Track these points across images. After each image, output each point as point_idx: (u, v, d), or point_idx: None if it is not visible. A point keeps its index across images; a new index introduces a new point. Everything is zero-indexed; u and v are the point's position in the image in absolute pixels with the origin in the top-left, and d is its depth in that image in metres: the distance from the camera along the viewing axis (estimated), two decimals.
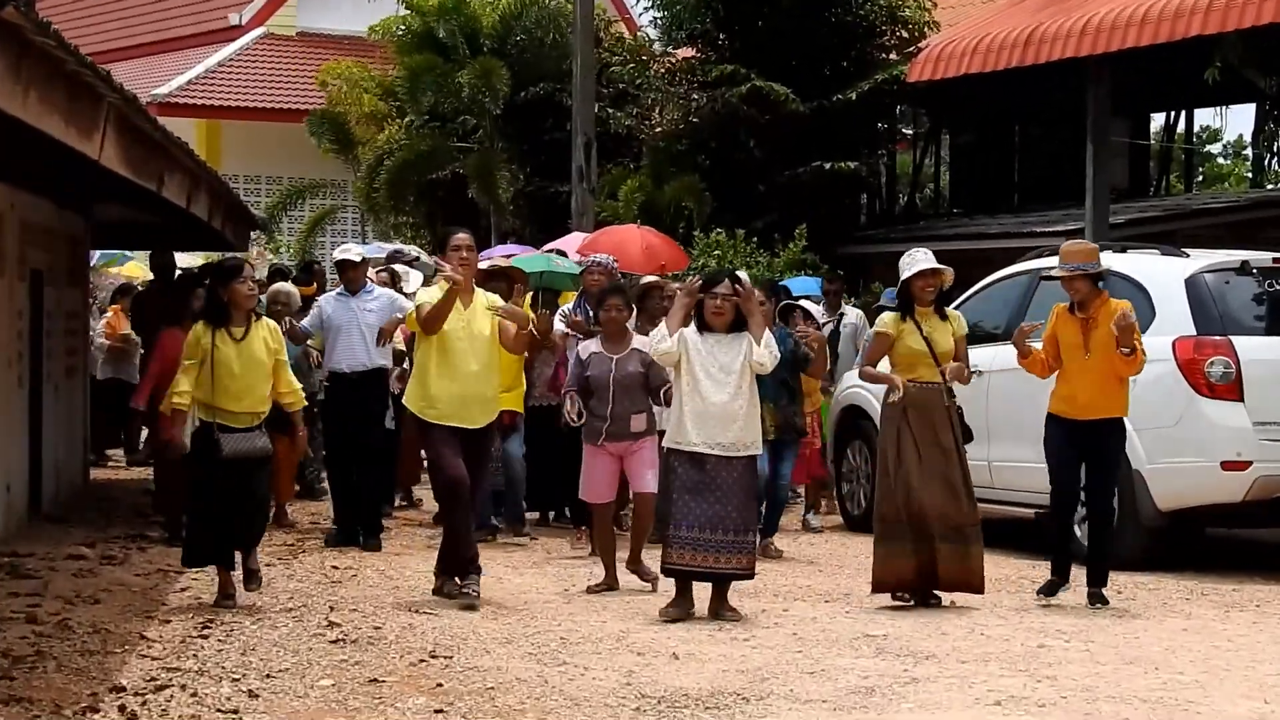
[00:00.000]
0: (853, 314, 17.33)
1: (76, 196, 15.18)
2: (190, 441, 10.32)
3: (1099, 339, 10.51)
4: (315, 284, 16.62)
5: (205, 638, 9.16)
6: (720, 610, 10.05)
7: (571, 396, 11.24)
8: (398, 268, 16.25)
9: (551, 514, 14.68)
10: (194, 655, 8.66)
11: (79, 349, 16.66)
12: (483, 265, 13.61)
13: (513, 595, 10.74)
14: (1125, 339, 10.34)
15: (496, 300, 10.83)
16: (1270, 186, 25.03)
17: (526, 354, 13.05)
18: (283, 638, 9.22)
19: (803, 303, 14.65)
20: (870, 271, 21.97)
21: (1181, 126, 29.07)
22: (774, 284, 14.07)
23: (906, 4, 23.22)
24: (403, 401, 11.04)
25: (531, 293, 14.81)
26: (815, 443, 14.77)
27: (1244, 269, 12.48)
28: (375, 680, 8.15)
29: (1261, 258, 12.72)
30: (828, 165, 22.06)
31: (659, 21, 24.43)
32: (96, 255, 22.38)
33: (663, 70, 24.10)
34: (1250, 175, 32.34)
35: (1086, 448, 10.65)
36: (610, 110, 23.65)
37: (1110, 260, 12.12)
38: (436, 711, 7.54)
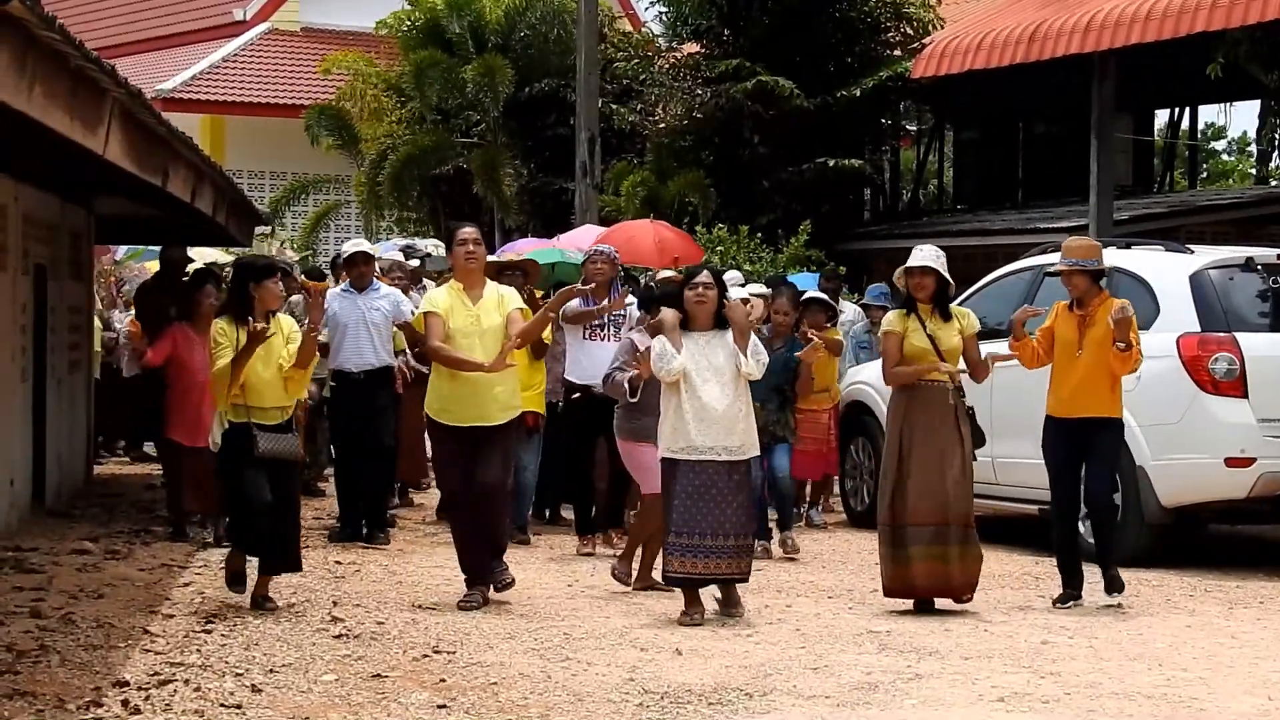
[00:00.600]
0: (850, 310, 17.32)
1: (80, 191, 15.19)
2: (223, 442, 9.98)
3: (1094, 337, 10.40)
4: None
5: (209, 632, 9.16)
6: (728, 609, 9.93)
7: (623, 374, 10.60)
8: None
9: (546, 512, 14.45)
10: (197, 650, 8.66)
11: (82, 343, 16.65)
12: (497, 258, 13.52)
13: (516, 591, 10.72)
14: (1121, 333, 10.21)
15: (510, 294, 10.54)
16: (1274, 183, 25.03)
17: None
18: (286, 632, 9.22)
19: (822, 295, 14.65)
20: (873, 268, 21.97)
21: (1186, 123, 29.09)
22: (797, 292, 13.84)
23: (911, 0, 23.23)
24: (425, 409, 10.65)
25: (542, 293, 14.72)
26: (833, 440, 14.71)
27: (1248, 265, 12.47)
28: (378, 675, 8.15)
29: (1266, 254, 12.71)
30: (831, 161, 22.09)
31: (663, 17, 24.47)
32: (122, 250, 22.39)
33: (667, 66, 24.12)
34: (1254, 171, 32.31)
35: (1081, 447, 10.51)
36: (614, 106, 23.67)
37: (1114, 257, 12.13)
38: (439, 706, 7.54)
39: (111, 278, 21.33)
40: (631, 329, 12.05)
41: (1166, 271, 12.50)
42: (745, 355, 9.87)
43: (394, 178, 25.15)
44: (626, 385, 10.56)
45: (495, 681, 8.06)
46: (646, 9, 26.65)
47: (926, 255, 10.42)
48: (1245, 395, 11.98)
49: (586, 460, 13.02)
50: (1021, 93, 24.56)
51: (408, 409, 13.68)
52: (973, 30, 22.58)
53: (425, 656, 8.64)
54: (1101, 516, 10.73)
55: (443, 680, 8.07)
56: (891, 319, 10.57)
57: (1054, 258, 13.69)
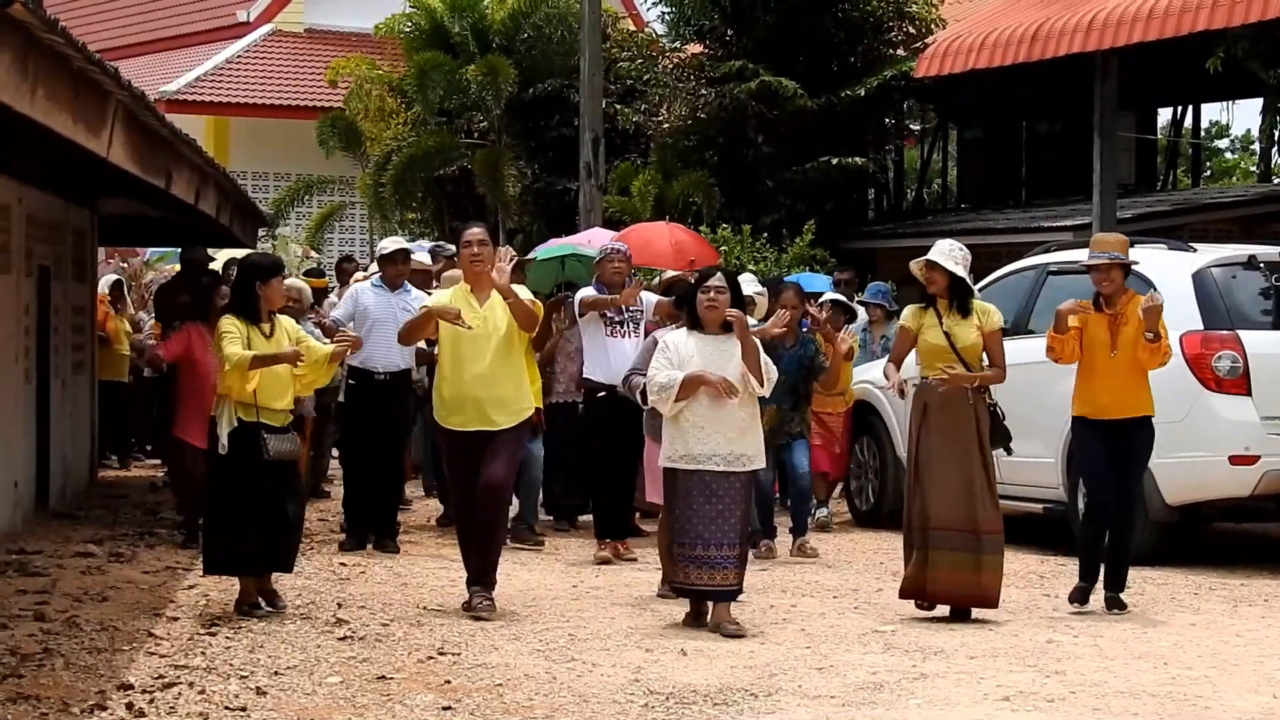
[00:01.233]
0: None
1: (84, 192, 15.19)
2: (229, 442, 9.79)
3: (1127, 335, 10.19)
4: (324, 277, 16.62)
5: (213, 635, 9.16)
6: (723, 624, 9.54)
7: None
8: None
9: (552, 515, 14.21)
10: (202, 653, 8.66)
11: (86, 345, 16.65)
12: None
13: (521, 592, 10.72)
14: (1151, 321, 10.03)
15: (520, 290, 10.25)
16: (1277, 181, 24.97)
17: (544, 348, 12.99)
18: (291, 635, 9.22)
19: (838, 296, 14.64)
20: (877, 267, 21.96)
21: (1189, 121, 29.06)
22: (800, 287, 13.78)
23: (913, 0, 23.23)
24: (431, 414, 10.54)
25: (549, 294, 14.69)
26: (843, 441, 14.67)
27: (1251, 263, 12.46)
28: (383, 677, 8.15)
29: (1269, 252, 12.70)
30: (835, 161, 22.06)
31: (667, 17, 24.44)
32: (148, 252, 22.45)
33: (670, 66, 24.10)
34: (1257, 170, 32.28)
35: (1117, 448, 10.31)
36: (618, 106, 23.65)
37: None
38: (444, 708, 7.54)
39: (141, 279, 21.44)
40: (658, 326, 11.84)
41: (1169, 270, 12.47)
42: (754, 379, 9.59)
43: (398, 179, 25.14)
44: (638, 396, 10.25)
45: (500, 683, 8.06)
46: (650, 9, 26.63)
47: (938, 249, 10.19)
48: (1249, 393, 11.98)
49: (610, 463, 12.60)
50: (1024, 92, 24.56)
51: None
52: (975, 30, 22.59)
53: (430, 658, 8.64)
54: (1130, 519, 10.52)
55: (448, 682, 8.07)
56: (907, 313, 10.37)
57: (1058, 256, 13.75)
